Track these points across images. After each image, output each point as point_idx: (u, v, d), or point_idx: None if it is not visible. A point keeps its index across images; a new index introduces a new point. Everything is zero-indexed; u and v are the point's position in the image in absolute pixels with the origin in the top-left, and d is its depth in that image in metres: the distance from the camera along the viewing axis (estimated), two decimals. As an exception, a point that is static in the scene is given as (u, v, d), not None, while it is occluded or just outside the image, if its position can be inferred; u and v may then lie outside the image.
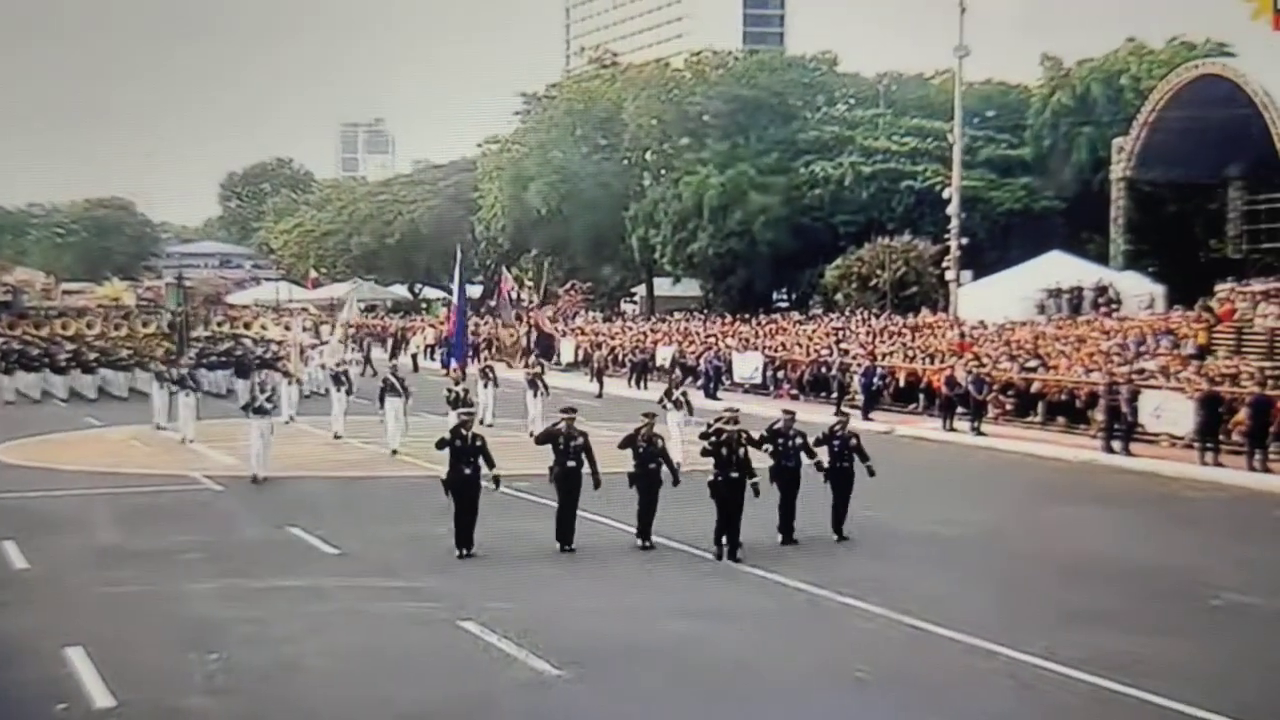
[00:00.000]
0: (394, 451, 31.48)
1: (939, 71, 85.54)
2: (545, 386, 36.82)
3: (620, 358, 54.25)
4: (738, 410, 21.66)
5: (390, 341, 71.19)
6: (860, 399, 40.65)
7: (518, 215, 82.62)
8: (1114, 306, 54.00)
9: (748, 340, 53.69)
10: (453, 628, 16.23)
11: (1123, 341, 40.31)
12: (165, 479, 28.74)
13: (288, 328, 55.25)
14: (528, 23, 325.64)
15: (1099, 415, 33.70)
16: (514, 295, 57.20)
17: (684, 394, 32.15)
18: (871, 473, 21.53)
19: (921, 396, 40.77)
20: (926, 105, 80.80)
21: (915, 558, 20.81)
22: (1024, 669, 14.55)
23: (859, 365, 42.23)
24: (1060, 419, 35.97)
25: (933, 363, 41.97)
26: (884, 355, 44.11)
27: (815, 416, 40.29)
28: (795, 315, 65.57)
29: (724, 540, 19.92)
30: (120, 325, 55.50)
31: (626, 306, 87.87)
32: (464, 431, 20.51)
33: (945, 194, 58.88)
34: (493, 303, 78.24)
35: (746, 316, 65.29)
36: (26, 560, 20.45)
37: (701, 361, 49.19)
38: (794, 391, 46.17)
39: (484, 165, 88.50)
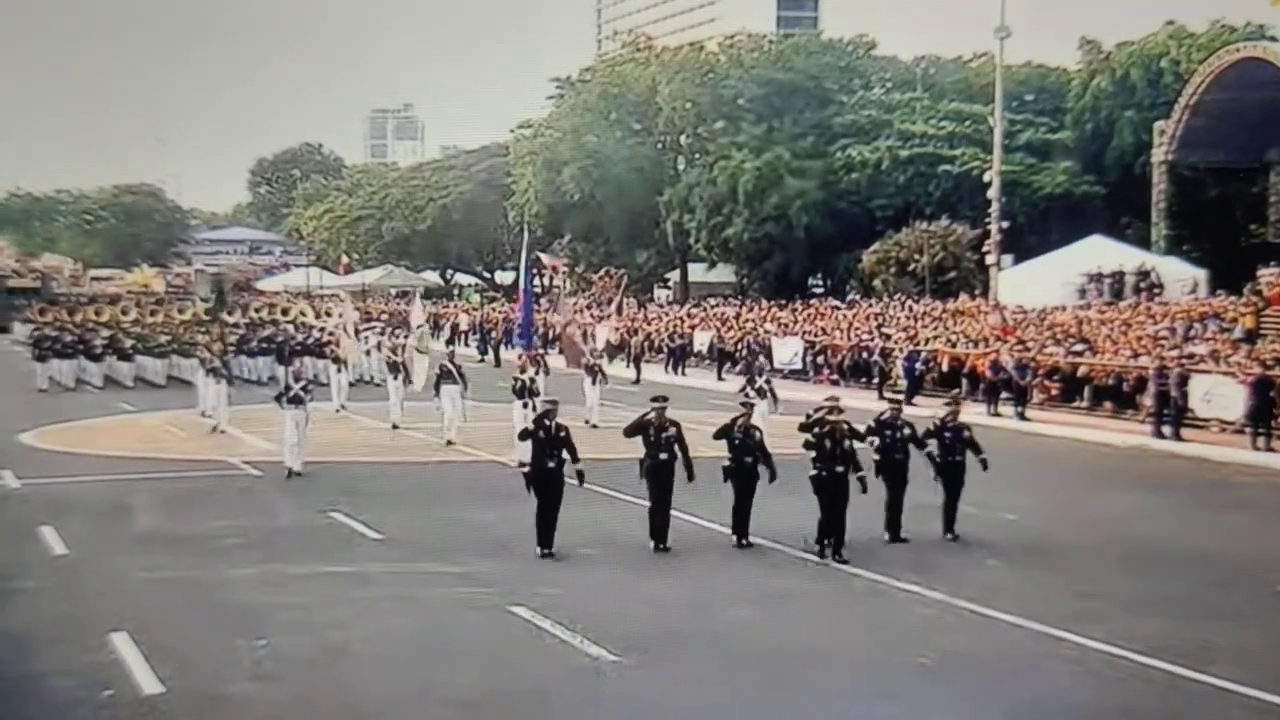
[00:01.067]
0: (449, 442, 30.49)
1: (977, 54, 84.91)
2: (604, 374, 35.93)
3: (657, 343, 53.97)
4: (839, 399, 20.47)
5: (448, 329, 69.68)
6: (903, 384, 40.25)
7: (551, 200, 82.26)
8: (1156, 291, 53.50)
9: (786, 325, 53.34)
10: (503, 613, 16.02)
11: (1170, 325, 39.82)
12: (202, 464, 28.65)
13: (328, 313, 54.98)
14: (559, 7, 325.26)
15: (1147, 400, 33.33)
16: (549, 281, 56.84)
17: (768, 382, 30.89)
18: (985, 465, 20.37)
19: (964, 381, 40.33)
20: (964, 89, 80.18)
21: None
22: (1092, 655, 14.31)
23: (901, 350, 41.85)
24: (1107, 404, 35.57)
25: (976, 347, 41.55)
26: (926, 340, 43.68)
27: (856, 402, 40.33)
28: (833, 301, 65.09)
29: (826, 540, 18.80)
30: (156, 311, 55.11)
31: (660, 292, 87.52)
32: (547, 422, 19.35)
33: (986, 178, 58.41)
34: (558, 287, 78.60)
35: (783, 302, 64.98)
36: (65, 545, 20.32)
37: (740, 347, 48.90)
38: (834, 377, 45.88)
39: (516, 150, 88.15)
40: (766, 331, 51.58)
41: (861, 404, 39.71)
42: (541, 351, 40.32)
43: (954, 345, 42.63)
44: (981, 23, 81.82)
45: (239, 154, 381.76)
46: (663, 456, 19.37)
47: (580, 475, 19.33)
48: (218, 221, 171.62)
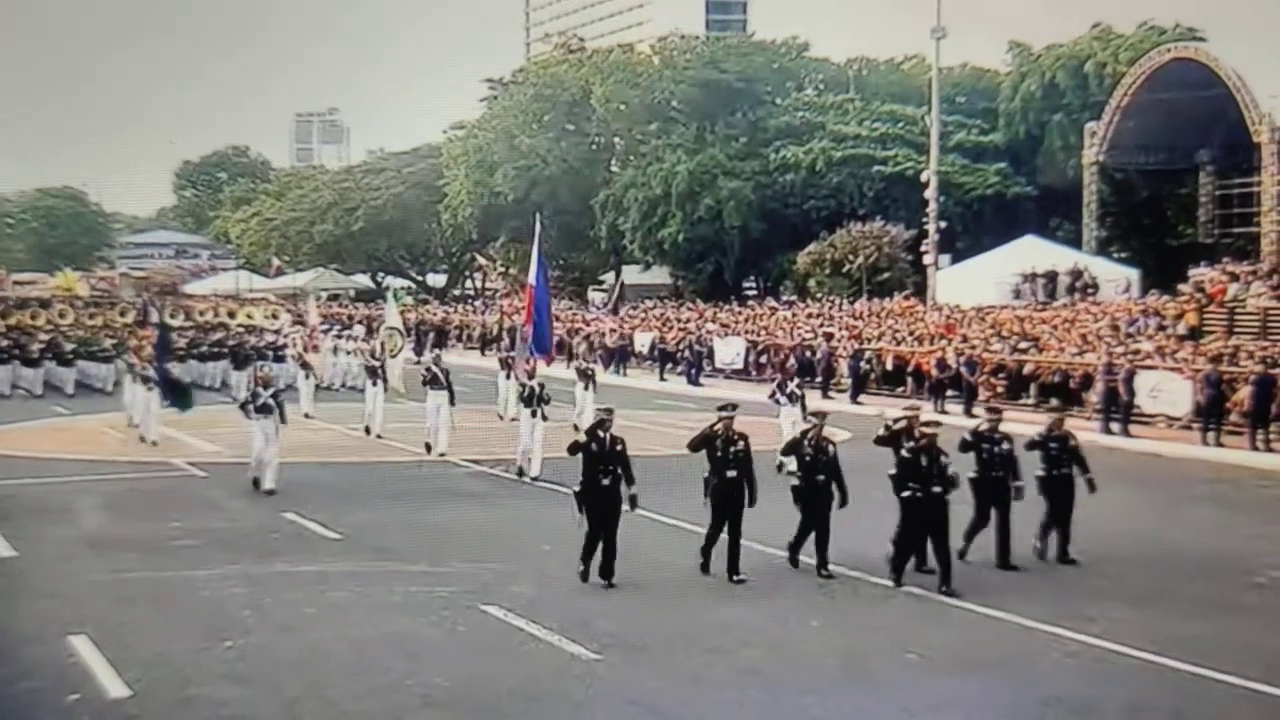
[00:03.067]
0: (442, 454, 28.65)
1: (909, 57, 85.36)
2: (594, 381, 34.68)
3: (596, 344, 53.70)
4: (920, 406, 19.19)
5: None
6: (847, 382, 40.27)
7: (485, 202, 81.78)
8: (1091, 291, 53.95)
9: (728, 326, 53.27)
10: (476, 613, 15.71)
11: (1112, 323, 40.05)
12: (146, 466, 28.08)
13: (275, 315, 53.97)
14: (485, 10, 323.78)
15: (1093, 396, 33.44)
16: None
17: (799, 386, 28.87)
18: (1092, 487, 18.35)
19: (909, 380, 40.40)
20: (897, 90, 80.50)
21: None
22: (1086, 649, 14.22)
23: (846, 349, 41.83)
24: (1053, 400, 35.59)
25: (920, 346, 41.61)
26: (870, 339, 43.71)
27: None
28: (771, 302, 65.04)
29: (903, 569, 16.86)
30: (96, 314, 53.19)
31: (595, 294, 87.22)
32: (601, 434, 17.08)
33: (924, 177, 58.68)
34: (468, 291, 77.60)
35: (721, 304, 64.91)
36: (13, 548, 19.74)
37: (682, 348, 48.74)
38: (777, 376, 45.76)
39: (449, 151, 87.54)
40: (708, 332, 51.44)
41: (808, 403, 40.03)
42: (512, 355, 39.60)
43: (900, 344, 42.65)
44: (913, 25, 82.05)
45: (161, 157, 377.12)
46: (730, 474, 17.13)
47: (633, 500, 17.18)
48: (141, 225, 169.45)
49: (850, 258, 64.34)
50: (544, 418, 25.59)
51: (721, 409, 17.75)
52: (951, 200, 65.84)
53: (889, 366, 41.16)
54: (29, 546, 19.85)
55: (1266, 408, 29.02)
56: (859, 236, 64.86)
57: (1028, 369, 36.77)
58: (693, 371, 46.89)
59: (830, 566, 17.31)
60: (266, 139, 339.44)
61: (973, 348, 38.02)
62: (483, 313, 71.55)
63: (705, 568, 17.31)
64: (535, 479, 25.16)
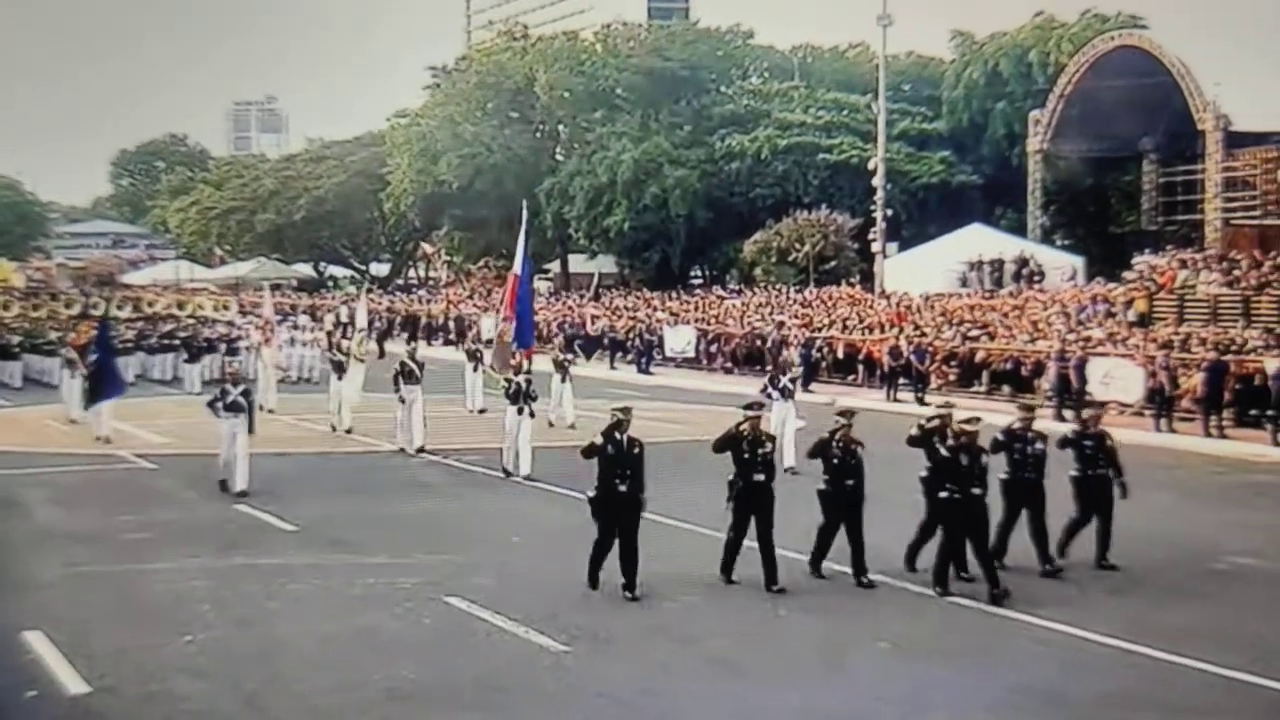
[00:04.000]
0: (420, 449, 27.61)
1: (853, 45, 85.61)
2: (569, 374, 33.29)
3: (546, 333, 53.34)
4: (954, 404, 18.24)
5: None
6: (799, 371, 40.19)
7: (428, 190, 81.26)
8: (1037, 279, 54.25)
9: (678, 314, 53.17)
10: (438, 604, 15.55)
11: (1063, 311, 40.25)
12: (93, 458, 27.55)
13: (226, 307, 53.25)
14: (426, 2, 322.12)
15: (1045, 384, 33.57)
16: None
17: (793, 381, 27.55)
18: (1124, 491, 17.31)
19: (861, 368, 40.46)
20: (842, 79, 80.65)
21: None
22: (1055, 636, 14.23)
23: (797, 338, 41.82)
24: (1005, 388, 35.78)
25: (871, 334, 41.66)
26: (820, 327, 43.72)
27: (751, 390, 40.24)
28: (719, 290, 64.98)
29: (948, 577, 15.88)
30: (40, 306, 51.97)
31: (540, 284, 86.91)
32: (618, 436, 16.01)
33: (871, 165, 58.77)
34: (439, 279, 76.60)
35: (669, 293, 64.79)
36: (-40, 543, 19.37)
37: (632, 336, 48.62)
38: (728, 365, 45.81)
39: (392, 139, 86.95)
40: (658, 320, 51.33)
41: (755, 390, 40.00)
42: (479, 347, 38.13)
43: (850, 332, 42.70)
44: (857, 12, 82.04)
45: (96, 146, 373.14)
46: (758, 477, 16.12)
47: (641, 503, 16.13)
48: (77, 214, 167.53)
49: (796, 246, 64.39)
50: (531, 414, 24.72)
51: (747, 407, 16.89)
52: (897, 188, 66.04)
53: (840, 355, 41.14)
54: (-24, 541, 19.48)
55: (1219, 394, 29.19)
56: (805, 225, 64.92)
57: (979, 357, 36.88)
58: (643, 360, 46.76)
59: (870, 575, 16.32)
60: (204, 128, 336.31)
61: (924, 336, 38.08)
62: (428, 302, 71.06)
63: (729, 577, 16.31)
64: (527, 477, 24.10)
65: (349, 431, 30.70)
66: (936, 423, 16.84)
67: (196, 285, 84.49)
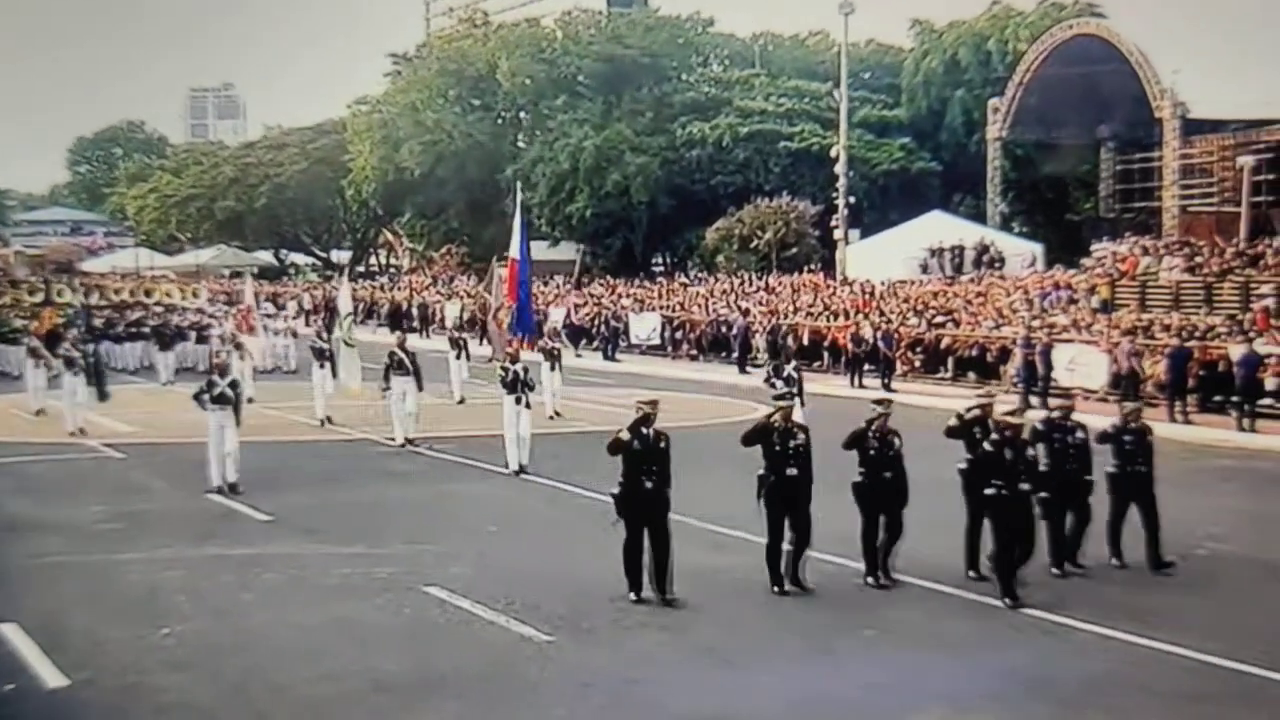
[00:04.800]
0: (407, 442, 26.75)
1: (813, 33, 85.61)
2: (560, 362, 32.78)
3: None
4: (994, 394, 17.58)
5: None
6: (764, 357, 40.25)
7: (390, 177, 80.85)
8: (997, 265, 54.41)
9: (643, 301, 53.04)
10: (417, 594, 15.37)
11: (1026, 298, 40.36)
12: (60, 447, 27.27)
13: (195, 294, 52.61)
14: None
15: (1010, 370, 33.65)
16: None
17: (797, 369, 26.35)
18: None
19: (826, 354, 40.46)
20: (802, 66, 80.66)
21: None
22: (1032, 623, 14.19)
23: (762, 324, 41.79)
24: (970, 374, 35.84)
25: (835, 320, 41.66)
26: (785, 314, 43.70)
27: (717, 376, 40.31)
28: (682, 278, 64.89)
29: (1013, 583, 14.81)
30: (3, 293, 50.22)
31: (500, 270, 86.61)
32: (645, 430, 15.06)
33: (834, 152, 58.76)
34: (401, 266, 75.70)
35: (631, 281, 64.65)
36: (-71, 534, 19.07)
37: (597, 323, 48.47)
38: (693, 352, 45.74)
39: (354, 126, 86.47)
40: (623, 307, 51.20)
41: (722, 378, 40.01)
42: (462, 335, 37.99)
43: (816, 318, 42.70)
44: (818, 1, 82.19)
45: (52, 133, 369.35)
46: (791, 471, 15.15)
47: (668, 500, 15.18)
48: (34, 202, 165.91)
49: (758, 233, 64.40)
50: (528, 405, 23.72)
51: (778, 397, 16.01)
52: (858, 175, 66.16)
53: (805, 341, 41.12)
54: (-57, 532, 19.19)
55: (1183, 380, 29.29)
56: (766, 212, 64.92)
57: (945, 343, 36.92)
58: (609, 347, 46.63)
59: (896, 575, 15.71)
60: (161, 115, 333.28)
61: (889, 322, 38.10)
62: (391, 289, 70.74)
63: (777, 580, 15.33)
64: (521, 469, 23.30)
65: (328, 421, 30.12)
66: (976, 413, 16.19)
67: (156, 273, 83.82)
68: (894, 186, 71.20)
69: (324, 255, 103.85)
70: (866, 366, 37.21)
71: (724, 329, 44.18)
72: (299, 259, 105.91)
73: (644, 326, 48.54)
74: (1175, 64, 56.07)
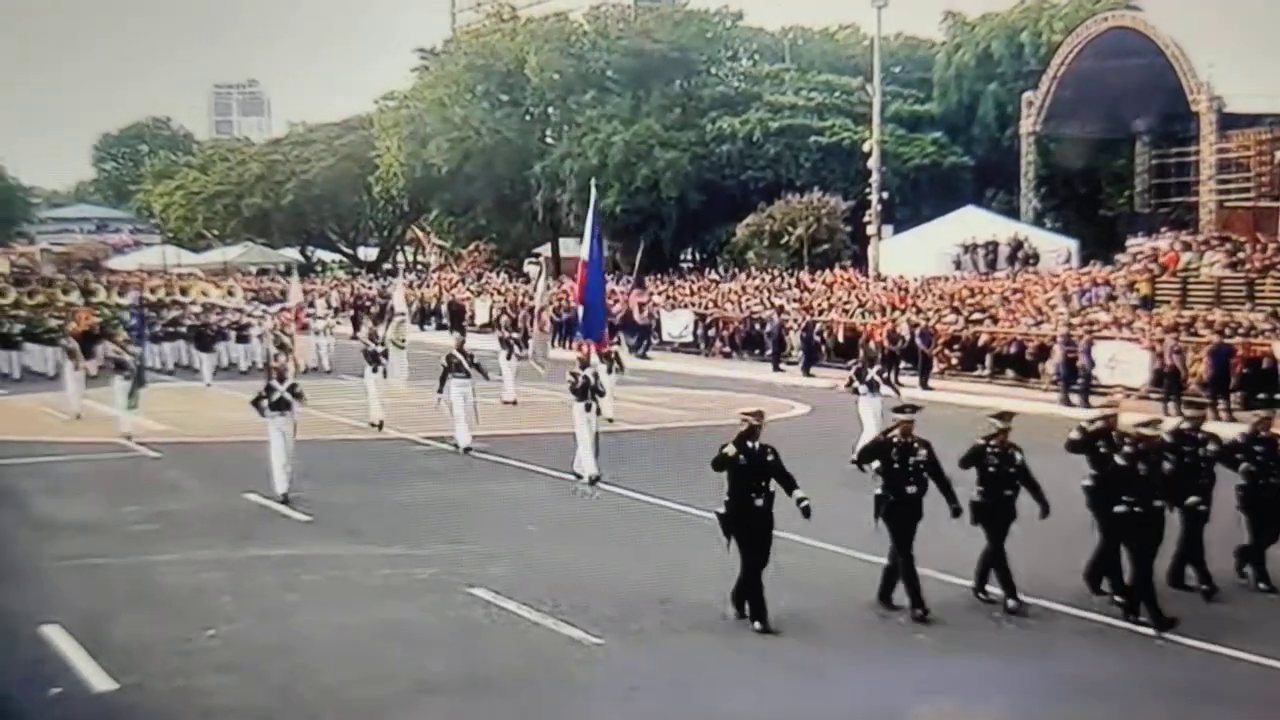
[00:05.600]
0: (467, 449, 25.66)
1: (843, 26, 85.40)
2: (620, 362, 32.22)
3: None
4: (1119, 403, 16.83)
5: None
6: (799, 355, 40.14)
7: (417, 174, 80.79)
8: (1032, 261, 54.19)
9: (674, 298, 52.90)
10: (462, 594, 15.33)
11: (1064, 294, 40.16)
12: (92, 447, 27.18)
13: (231, 292, 52.24)
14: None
15: (1049, 368, 33.45)
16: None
17: (880, 373, 24.92)
18: None
19: (862, 351, 40.25)
20: (832, 60, 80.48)
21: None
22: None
23: (797, 321, 41.65)
24: (1008, 372, 35.64)
25: (870, 317, 41.53)
26: (820, 311, 43.56)
27: (751, 374, 40.19)
28: (713, 274, 64.81)
29: (1158, 605, 13.94)
30: (36, 292, 49.52)
31: (530, 267, 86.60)
32: (750, 444, 14.18)
33: (866, 147, 58.57)
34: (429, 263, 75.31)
35: (660, 277, 64.56)
36: (-36, 534, 19.12)
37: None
38: (726, 349, 45.60)
39: (381, 122, 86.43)
40: (655, 304, 51.08)
41: (759, 375, 39.86)
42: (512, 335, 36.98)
43: (850, 315, 42.57)
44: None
45: (77, 130, 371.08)
46: (910, 490, 14.36)
47: (806, 509, 14.18)
48: (60, 199, 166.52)
49: (789, 229, 64.28)
50: (598, 411, 22.69)
51: (899, 410, 15.12)
52: (889, 170, 65.92)
53: (840, 338, 40.98)
54: (-18, 532, 19.24)
55: (1225, 377, 29.09)
56: (798, 208, 64.78)
57: (982, 340, 36.72)
58: (641, 345, 46.54)
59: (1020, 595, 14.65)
60: (184, 111, 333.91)
61: (926, 319, 37.93)
62: (419, 286, 70.76)
63: (888, 601, 14.65)
64: (594, 479, 22.14)
65: (380, 425, 29.11)
66: (1100, 425, 15.46)
67: (184, 270, 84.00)
68: (925, 182, 70.96)
69: (350, 252, 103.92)
70: (902, 364, 37.01)
71: (758, 326, 44.01)
72: (325, 256, 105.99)
73: (676, 324, 48.37)
74: (1209, 57, 55.61)
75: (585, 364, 23.00)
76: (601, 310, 24.84)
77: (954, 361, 37.12)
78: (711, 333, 46.74)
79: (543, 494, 22.03)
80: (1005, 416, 15.06)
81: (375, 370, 29.85)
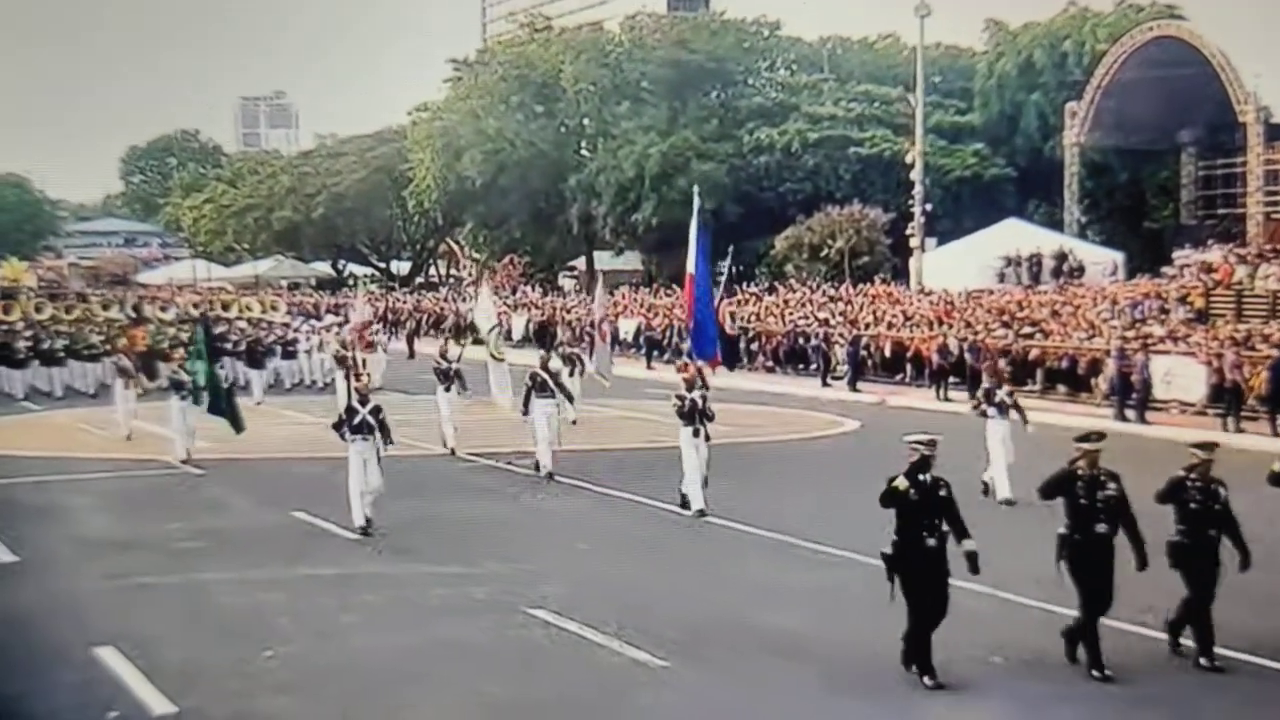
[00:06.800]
0: (550, 475, 24.57)
1: (883, 36, 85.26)
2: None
3: (579, 332, 52.98)
4: None
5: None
6: (845, 370, 39.99)
7: (451, 186, 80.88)
8: (1077, 274, 53.83)
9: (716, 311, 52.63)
10: (521, 615, 15.20)
11: (1114, 307, 39.88)
12: (135, 464, 27.20)
13: (274, 307, 51.98)
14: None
15: (1102, 383, 33.20)
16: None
17: (1011, 394, 23.18)
18: None
19: (909, 366, 40.14)
20: (871, 70, 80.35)
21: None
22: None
23: (843, 335, 41.47)
24: (1060, 387, 35.37)
25: (917, 331, 41.33)
26: (866, 324, 43.37)
27: (796, 389, 40.03)
28: (752, 288, 64.69)
29: None
30: (73, 308, 48.85)
31: (565, 280, 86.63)
32: (921, 477, 12.87)
33: (909, 158, 58.41)
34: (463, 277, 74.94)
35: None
36: (12, 552, 19.03)
37: (669, 334, 48.25)
38: (769, 364, 45.42)
39: (414, 134, 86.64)
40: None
41: (803, 390, 39.70)
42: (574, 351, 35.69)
43: (896, 329, 42.38)
44: (885, 3, 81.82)
45: (104, 143, 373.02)
46: (1100, 529, 12.93)
47: (972, 559, 12.86)
48: (87, 213, 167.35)
49: (829, 242, 64.11)
50: (707, 437, 21.05)
51: (1082, 440, 13.35)
52: (930, 182, 65.72)
53: (887, 353, 40.79)
54: (28, 551, 19.16)
55: (1288, 392, 28.80)
56: (837, 220, 64.59)
57: (1033, 354, 36.44)
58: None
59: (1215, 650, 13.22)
60: (210, 123, 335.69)
61: (975, 333, 37.71)
62: (456, 300, 70.83)
63: (1074, 655, 13.21)
64: (700, 512, 20.75)
65: (454, 451, 27.81)
66: None
67: (214, 284, 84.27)
68: (967, 194, 70.71)
69: (383, 266, 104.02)
70: (951, 379, 36.82)
71: (801, 340, 43.80)
72: (357, 269, 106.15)
73: (716, 337, 48.19)
74: (1256, 67, 55.42)
75: (693, 385, 21.46)
76: (712, 326, 23.47)
77: (1005, 376, 36.78)
78: (754, 346, 46.52)
79: (592, 511, 21.93)
80: (1207, 446, 13.49)
81: (448, 389, 28.44)
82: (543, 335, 51.24)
